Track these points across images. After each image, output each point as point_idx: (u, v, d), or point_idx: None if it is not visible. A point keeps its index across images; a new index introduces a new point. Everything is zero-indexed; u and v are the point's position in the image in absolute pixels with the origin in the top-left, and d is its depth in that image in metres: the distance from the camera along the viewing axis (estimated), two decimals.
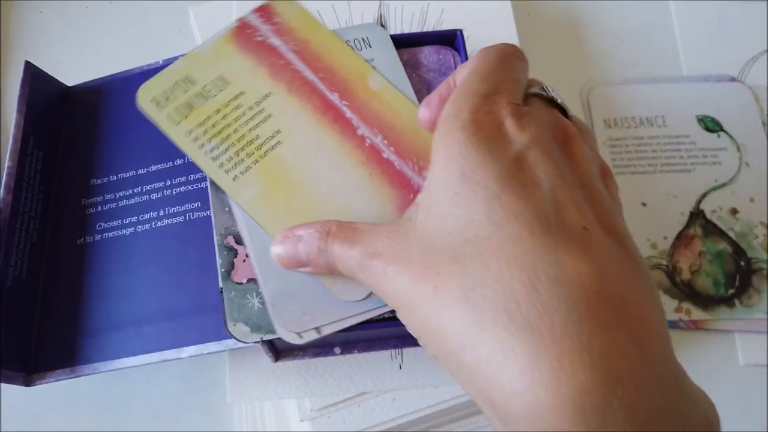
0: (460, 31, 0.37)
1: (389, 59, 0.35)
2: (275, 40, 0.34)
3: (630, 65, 0.47)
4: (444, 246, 0.21)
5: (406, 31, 0.44)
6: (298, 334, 0.28)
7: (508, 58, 0.25)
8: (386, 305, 0.28)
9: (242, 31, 0.34)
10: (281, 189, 0.30)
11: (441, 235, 0.21)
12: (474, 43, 0.42)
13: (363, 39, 0.35)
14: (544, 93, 0.25)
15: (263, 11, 0.34)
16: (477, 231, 0.20)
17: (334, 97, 0.32)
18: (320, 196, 0.30)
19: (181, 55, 0.34)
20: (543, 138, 0.22)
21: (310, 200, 0.30)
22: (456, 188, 0.21)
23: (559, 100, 0.25)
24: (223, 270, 0.30)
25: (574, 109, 0.43)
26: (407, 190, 0.30)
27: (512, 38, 0.43)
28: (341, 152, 0.31)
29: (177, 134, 0.31)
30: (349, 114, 0.32)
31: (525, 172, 0.21)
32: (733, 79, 0.47)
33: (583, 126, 0.26)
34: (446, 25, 0.44)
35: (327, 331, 0.28)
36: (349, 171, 0.31)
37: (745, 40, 0.48)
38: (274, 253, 0.28)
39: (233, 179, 0.30)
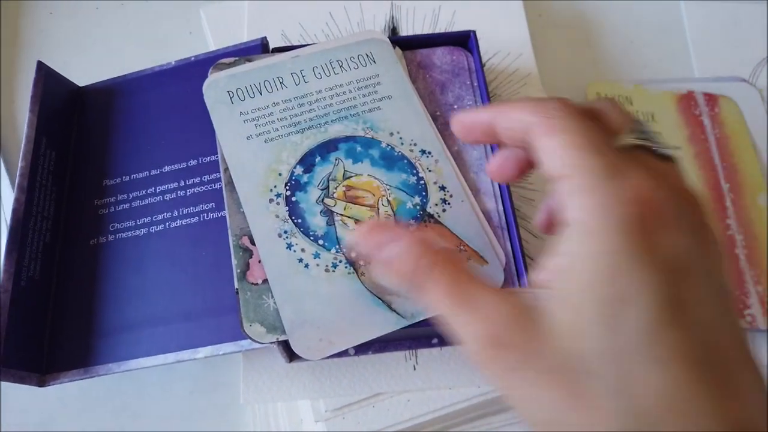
0: (474, 32, 0.37)
1: (395, 73, 0.35)
2: (706, 120, 0.42)
3: (641, 66, 0.47)
4: (594, 368, 0.18)
5: (419, 32, 0.44)
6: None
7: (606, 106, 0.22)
8: (402, 323, 0.29)
9: (687, 99, 0.44)
10: None
11: (587, 353, 0.18)
12: (486, 44, 0.42)
13: (367, 55, 0.35)
14: (655, 146, 0.21)
15: (710, 98, 0.44)
16: (632, 368, 0.18)
17: (724, 185, 0.40)
18: None
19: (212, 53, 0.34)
20: (694, 241, 0.19)
21: None
22: (609, 309, 0.18)
23: (671, 154, 0.21)
24: (238, 271, 0.30)
25: None
26: (732, 287, 0.36)
27: (524, 39, 0.43)
28: None
29: None
30: (728, 203, 0.40)
31: (683, 294, 0.18)
32: (743, 81, 0.47)
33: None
34: (458, 26, 0.44)
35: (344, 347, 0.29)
36: None
37: (756, 41, 0.48)
38: (353, 243, 0.26)
39: None
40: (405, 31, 0.44)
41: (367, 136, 0.33)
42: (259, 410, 0.35)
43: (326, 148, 0.33)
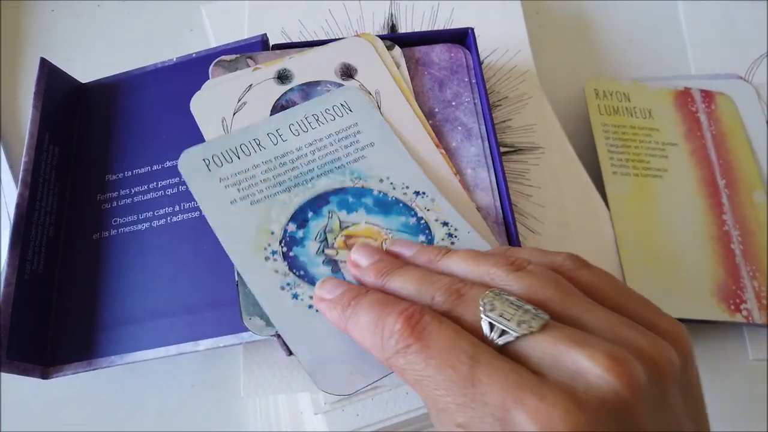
0: (472, 29, 0.37)
1: (374, 119, 0.34)
2: (703, 117, 0.44)
3: (639, 64, 0.48)
4: None
5: (417, 29, 0.44)
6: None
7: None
8: None
9: (684, 95, 0.45)
10: (642, 203, 0.40)
11: None
12: (484, 41, 0.43)
13: (341, 105, 0.34)
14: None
15: (707, 95, 0.45)
16: None
17: (720, 182, 0.42)
18: (664, 233, 0.40)
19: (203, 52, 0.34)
20: None
21: (657, 229, 0.40)
22: None
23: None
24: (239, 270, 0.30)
25: (584, 108, 0.44)
26: (729, 282, 0.39)
27: (521, 37, 0.44)
28: (699, 217, 0.41)
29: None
30: (724, 200, 0.41)
31: None
32: (740, 78, 0.47)
33: None
34: (456, 24, 0.44)
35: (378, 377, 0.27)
36: (697, 232, 0.40)
37: (753, 39, 0.48)
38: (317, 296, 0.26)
39: (613, 173, 0.41)
40: (404, 28, 0.44)
41: (357, 185, 0.32)
42: (260, 403, 0.36)
43: (317, 203, 0.31)
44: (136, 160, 0.37)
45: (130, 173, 0.36)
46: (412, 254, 0.27)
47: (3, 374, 0.35)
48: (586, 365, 0.18)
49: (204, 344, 0.31)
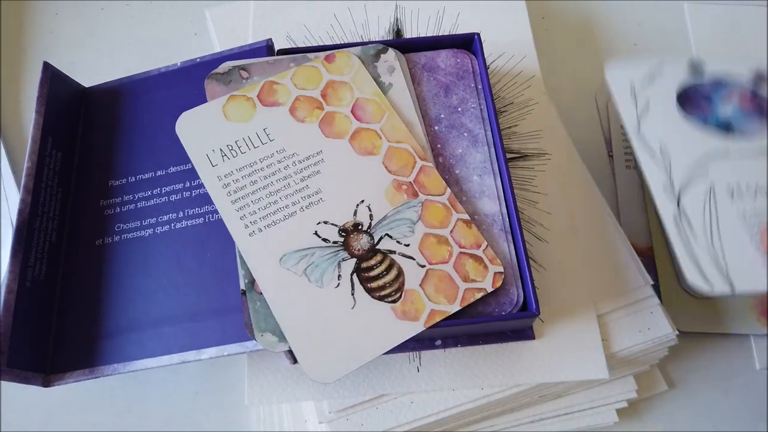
0: (478, 34, 0.37)
1: None
2: None
3: None
4: None
5: (422, 33, 0.44)
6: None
7: None
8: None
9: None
10: None
11: None
12: (489, 46, 0.42)
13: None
14: None
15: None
16: None
17: None
18: None
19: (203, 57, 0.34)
20: None
21: None
22: None
23: None
24: (246, 281, 0.30)
25: (590, 113, 0.43)
26: None
27: (527, 41, 0.43)
28: None
29: None
30: None
31: None
32: None
33: None
34: (461, 28, 0.44)
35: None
36: None
37: (759, 43, 0.48)
38: None
39: None
40: (409, 32, 0.44)
41: None
42: (264, 411, 0.35)
43: None
44: (139, 165, 0.36)
45: (133, 179, 0.36)
46: None
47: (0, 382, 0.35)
48: None
49: (208, 353, 0.31)
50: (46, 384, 0.32)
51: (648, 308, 0.36)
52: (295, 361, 0.33)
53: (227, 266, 0.32)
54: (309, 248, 0.31)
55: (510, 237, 0.33)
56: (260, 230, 0.31)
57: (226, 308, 0.31)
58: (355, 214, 0.32)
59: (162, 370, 0.31)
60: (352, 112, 0.34)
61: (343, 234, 0.31)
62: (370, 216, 0.32)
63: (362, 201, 0.32)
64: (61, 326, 0.33)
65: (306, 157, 0.33)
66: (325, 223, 0.31)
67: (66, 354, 0.32)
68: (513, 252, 0.32)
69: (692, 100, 0.34)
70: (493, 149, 0.35)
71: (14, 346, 0.31)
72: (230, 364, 0.37)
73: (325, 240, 0.31)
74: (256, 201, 0.31)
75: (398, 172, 0.33)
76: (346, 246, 0.31)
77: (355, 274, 0.30)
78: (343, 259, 0.31)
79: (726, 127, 0.33)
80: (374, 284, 0.30)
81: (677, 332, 0.35)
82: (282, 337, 0.29)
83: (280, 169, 0.32)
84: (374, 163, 0.33)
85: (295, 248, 0.31)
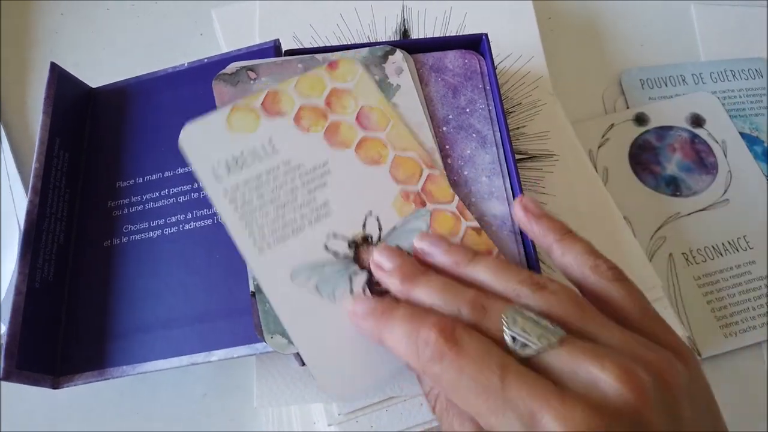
0: (486, 35, 0.37)
1: None
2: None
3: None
4: None
5: (429, 34, 0.44)
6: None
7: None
8: None
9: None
10: None
11: None
12: (497, 47, 0.42)
13: None
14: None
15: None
16: None
17: None
18: None
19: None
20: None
21: None
22: None
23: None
24: (256, 283, 0.30)
25: (597, 114, 0.43)
26: None
27: (534, 42, 0.43)
28: None
29: None
30: None
31: None
32: None
33: None
34: (468, 28, 0.44)
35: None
36: None
37: (766, 43, 0.48)
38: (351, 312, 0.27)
39: None
40: (416, 33, 0.44)
41: None
42: (273, 413, 0.35)
43: None
44: (147, 166, 0.36)
45: (141, 180, 0.36)
46: (440, 253, 0.28)
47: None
48: (599, 376, 0.20)
49: (217, 355, 0.31)
50: (55, 386, 0.32)
51: (659, 309, 0.35)
52: (303, 363, 0.33)
53: (236, 267, 0.32)
54: (319, 263, 0.30)
55: (520, 239, 0.32)
56: (269, 246, 0.30)
57: (236, 310, 0.31)
58: (363, 226, 0.31)
59: (170, 371, 0.31)
60: (357, 120, 0.34)
61: (353, 247, 0.31)
62: (379, 227, 0.31)
63: (370, 212, 0.31)
64: (69, 328, 0.33)
65: (312, 168, 0.32)
66: (335, 236, 0.30)
67: (75, 355, 0.32)
68: (523, 254, 0.32)
69: None
70: (501, 150, 0.35)
71: (23, 348, 0.31)
72: (239, 365, 0.37)
73: (335, 253, 0.30)
74: (264, 215, 0.30)
75: (405, 181, 0.32)
76: (356, 259, 0.30)
77: (367, 287, 0.30)
78: (354, 273, 0.30)
79: None
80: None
81: (688, 335, 0.35)
82: (292, 340, 0.29)
83: (287, 181, 0.31)
84: (381, 172, 0.32)
85: (305, 263, 0.30)
